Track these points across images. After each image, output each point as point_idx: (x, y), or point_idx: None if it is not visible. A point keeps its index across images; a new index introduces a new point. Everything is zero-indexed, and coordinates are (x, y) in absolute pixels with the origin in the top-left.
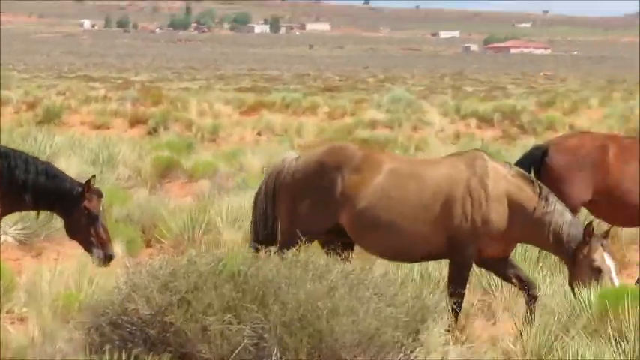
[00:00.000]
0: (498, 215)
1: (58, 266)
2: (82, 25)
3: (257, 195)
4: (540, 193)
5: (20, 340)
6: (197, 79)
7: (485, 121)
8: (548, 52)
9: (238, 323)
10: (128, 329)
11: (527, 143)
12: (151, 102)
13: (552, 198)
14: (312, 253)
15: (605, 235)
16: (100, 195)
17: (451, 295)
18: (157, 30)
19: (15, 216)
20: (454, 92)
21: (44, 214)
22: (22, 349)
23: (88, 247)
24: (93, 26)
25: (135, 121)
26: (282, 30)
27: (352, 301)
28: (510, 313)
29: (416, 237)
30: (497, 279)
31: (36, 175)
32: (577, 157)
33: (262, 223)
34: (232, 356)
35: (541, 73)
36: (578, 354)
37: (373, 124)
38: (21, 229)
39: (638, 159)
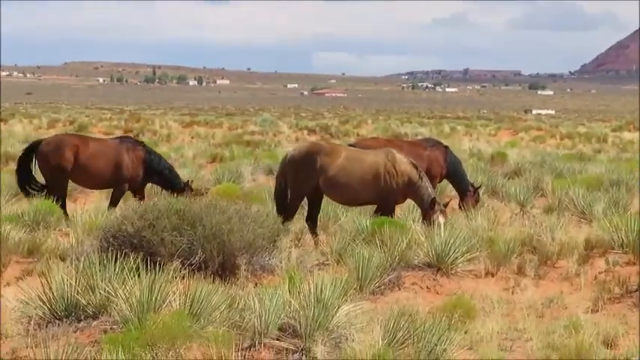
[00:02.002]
0: (403, 183)
1: (85, 207)
2: (98, 81)
3: (277, 176)
4: (420, 174)
5: (65, 245)
6: (159, 109)
7: (312, 131)
8: (345, 95)
9: (180, 236)
10: (122, 239)
11: (335, 142)
12: (134, 120)
13: (425, 178)
14: (219, 200)
15: (446, 205)
16: (191, 189)
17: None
18: (138, 83)
19: None
20: (295, 116)
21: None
22: (66, 249)
23: None
24: (104, 81)
25: (126, 131)
26: (204, 83)
27: (240, 225)
28: (324, 232)
29: (359, 193)
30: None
31: (163, 167)
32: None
33: (279, 191)
34: (177, 254)
35: (341, 107)
36: (360, 253)
37: (253, 133)
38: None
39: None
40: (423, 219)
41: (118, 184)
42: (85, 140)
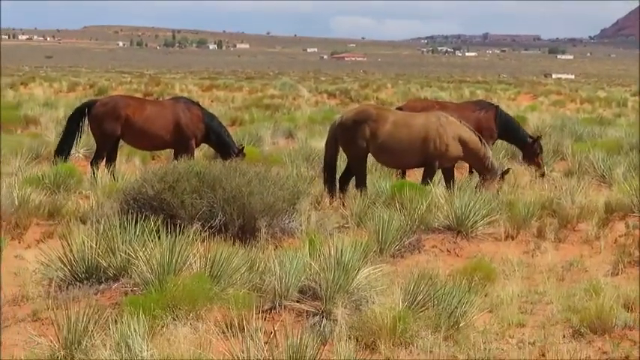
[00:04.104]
0: (454, 147)
1: (105, 170)
2: (117, 44)
3: (326, 142)
4: (480, 139)
5: (86, 207)
6: (179, 73)
7: (331, 95)
8: (365, 59)
9: (200, 199)
10: (142, 202)
11: (354, 106)
12: (155, 84)
13: (483, 140)
14: (239, 162)
15: (504, 173)
16: (244, 155)
17: (424, 183)
18: (157, 47)
19: (84, 140)
20: (315, 80)
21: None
22: (86, 212)
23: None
24: (124, 45)
25: (146, 94)
26: (224, 47)
27: (260, 187)
28: (343, 194)
29: (407, 157)
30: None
31: (221, 129)
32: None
33: (329, 157)
34: (197, 216)
35: (361, 71)
36: (380, 216)
37: (272, 96)
38: (86, 149)
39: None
40: (482, 184)
41: (182, 143)
42: (141, 102)
